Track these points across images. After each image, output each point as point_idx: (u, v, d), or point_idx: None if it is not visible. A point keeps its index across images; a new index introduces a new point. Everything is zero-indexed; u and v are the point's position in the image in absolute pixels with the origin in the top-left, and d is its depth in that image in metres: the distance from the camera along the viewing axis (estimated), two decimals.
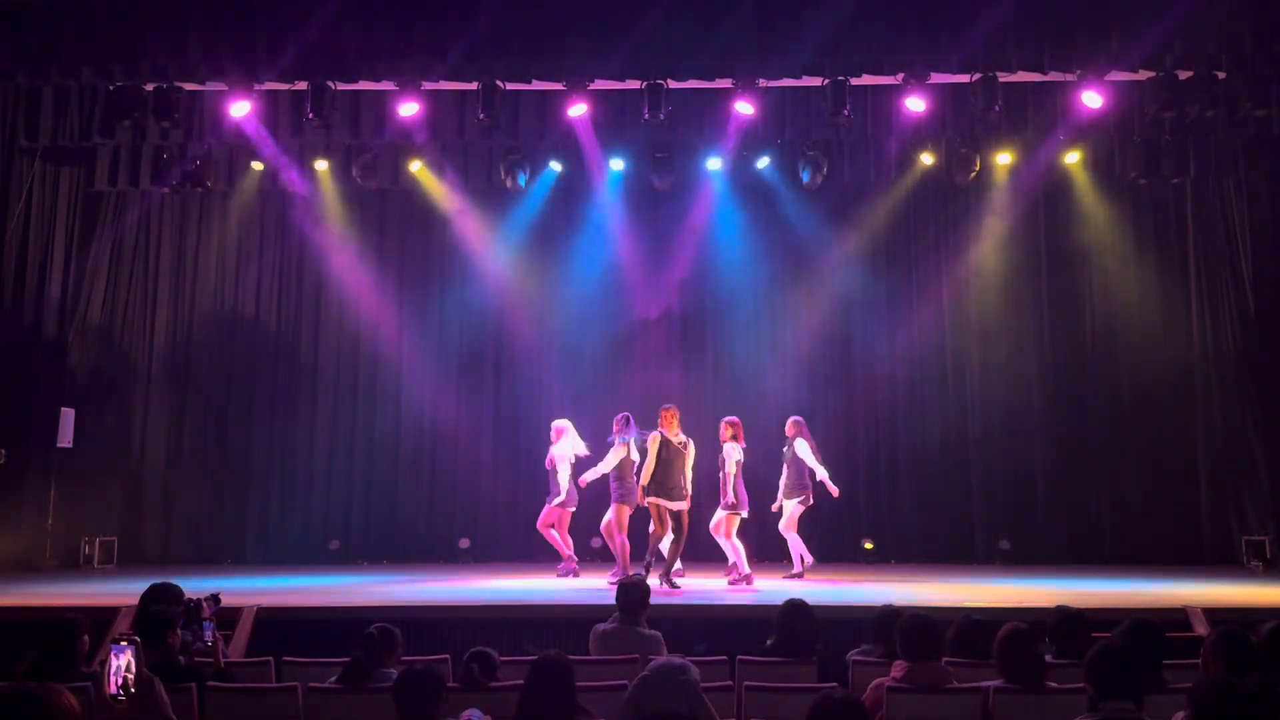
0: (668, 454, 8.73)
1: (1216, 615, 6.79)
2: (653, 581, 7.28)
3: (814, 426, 10.02)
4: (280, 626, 6.98)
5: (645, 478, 8.73)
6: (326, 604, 7.73)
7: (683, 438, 8.89)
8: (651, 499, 8.72)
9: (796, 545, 9.55)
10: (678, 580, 8.70)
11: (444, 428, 11.98)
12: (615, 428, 9.34)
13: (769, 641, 5.21)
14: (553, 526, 9.71)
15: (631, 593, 5.49)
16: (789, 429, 9.73)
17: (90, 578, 9.83)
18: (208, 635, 4.99)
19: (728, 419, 9.37)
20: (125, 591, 7.29)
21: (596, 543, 10.28)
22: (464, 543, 11.52)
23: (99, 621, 5.67)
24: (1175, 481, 11.41)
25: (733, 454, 9.12)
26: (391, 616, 5.87)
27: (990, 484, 11.69)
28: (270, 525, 11.80)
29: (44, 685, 2.73)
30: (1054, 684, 4.33)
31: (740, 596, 8.35)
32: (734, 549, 9.05)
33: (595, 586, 8.67)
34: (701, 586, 8.82)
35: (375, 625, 4.81)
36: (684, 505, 8.78)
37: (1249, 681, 3.44)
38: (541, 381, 11.99)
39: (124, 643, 3.68)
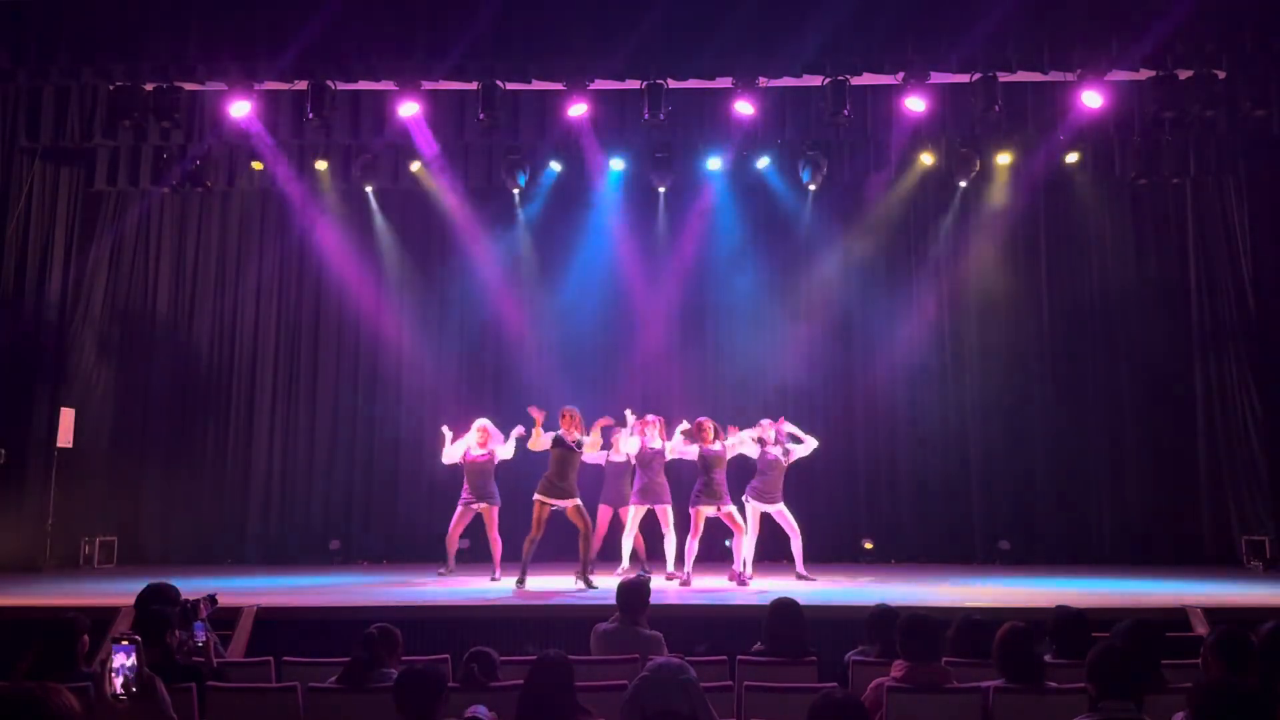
0: (562, 453, 8.93)
1: (1216, 615, 6.79)
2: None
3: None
4: (280, 626, 6.98)
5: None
6: (326, 604, 7.72)
7: (577, 437, 9.06)
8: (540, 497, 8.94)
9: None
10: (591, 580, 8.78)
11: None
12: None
13: (757, 645, 5.20)
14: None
15: (632, 593, 5.49)
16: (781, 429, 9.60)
17: (90, 578, 9.82)
18: (199, 635, 4.99)
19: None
20: (125, 591, 7.29)
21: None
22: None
23: (99, 621, 5.66)
24: (1175, 481, 11.41)
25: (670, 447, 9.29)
26: (391, 616, 5.86)
27: (990, 484, 11.69)
28: (270, 525, 11.80)
29: (43, 685, 2.73)
30: (1054, 684, 4.32)
31: (741, 597, 8.33)
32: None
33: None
34: (703, 587, 8.82)
35: (375, 625, 4.80)
36: (570, 504, 8.95)
37: (1249, 681, 3.44)
38: (541, 381, 11.95)
39: (126, 642, 3.68)
